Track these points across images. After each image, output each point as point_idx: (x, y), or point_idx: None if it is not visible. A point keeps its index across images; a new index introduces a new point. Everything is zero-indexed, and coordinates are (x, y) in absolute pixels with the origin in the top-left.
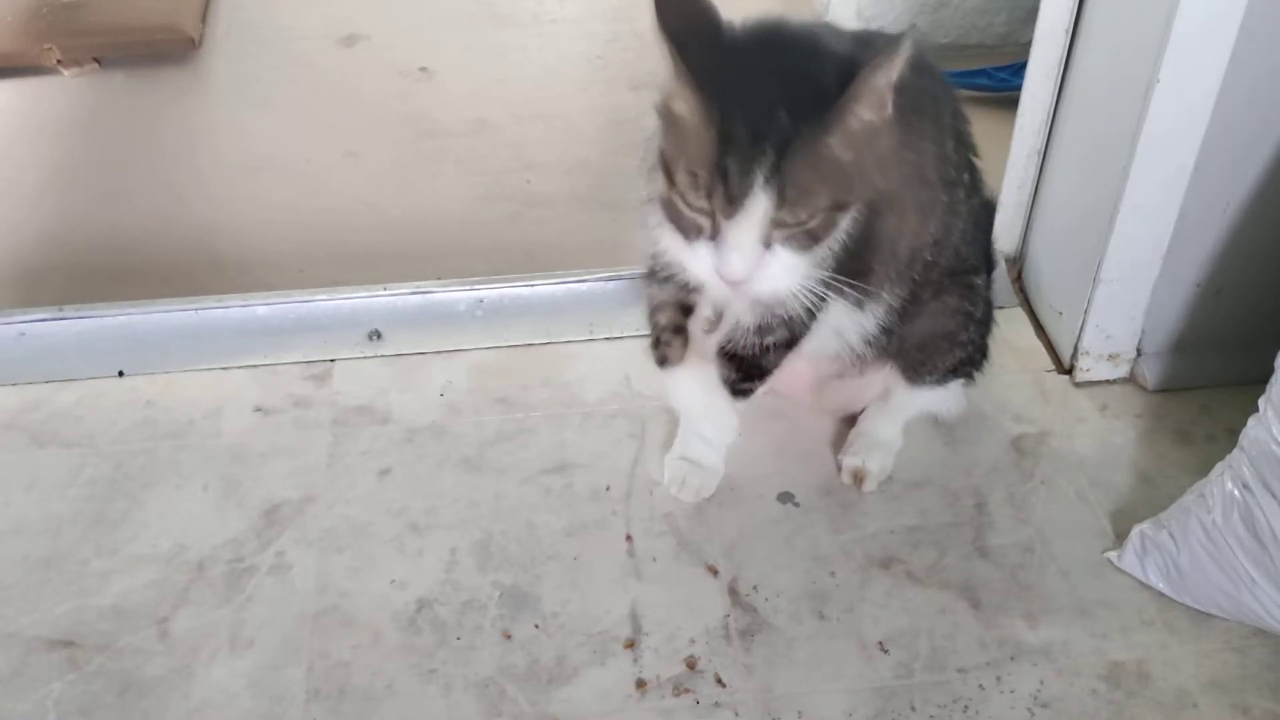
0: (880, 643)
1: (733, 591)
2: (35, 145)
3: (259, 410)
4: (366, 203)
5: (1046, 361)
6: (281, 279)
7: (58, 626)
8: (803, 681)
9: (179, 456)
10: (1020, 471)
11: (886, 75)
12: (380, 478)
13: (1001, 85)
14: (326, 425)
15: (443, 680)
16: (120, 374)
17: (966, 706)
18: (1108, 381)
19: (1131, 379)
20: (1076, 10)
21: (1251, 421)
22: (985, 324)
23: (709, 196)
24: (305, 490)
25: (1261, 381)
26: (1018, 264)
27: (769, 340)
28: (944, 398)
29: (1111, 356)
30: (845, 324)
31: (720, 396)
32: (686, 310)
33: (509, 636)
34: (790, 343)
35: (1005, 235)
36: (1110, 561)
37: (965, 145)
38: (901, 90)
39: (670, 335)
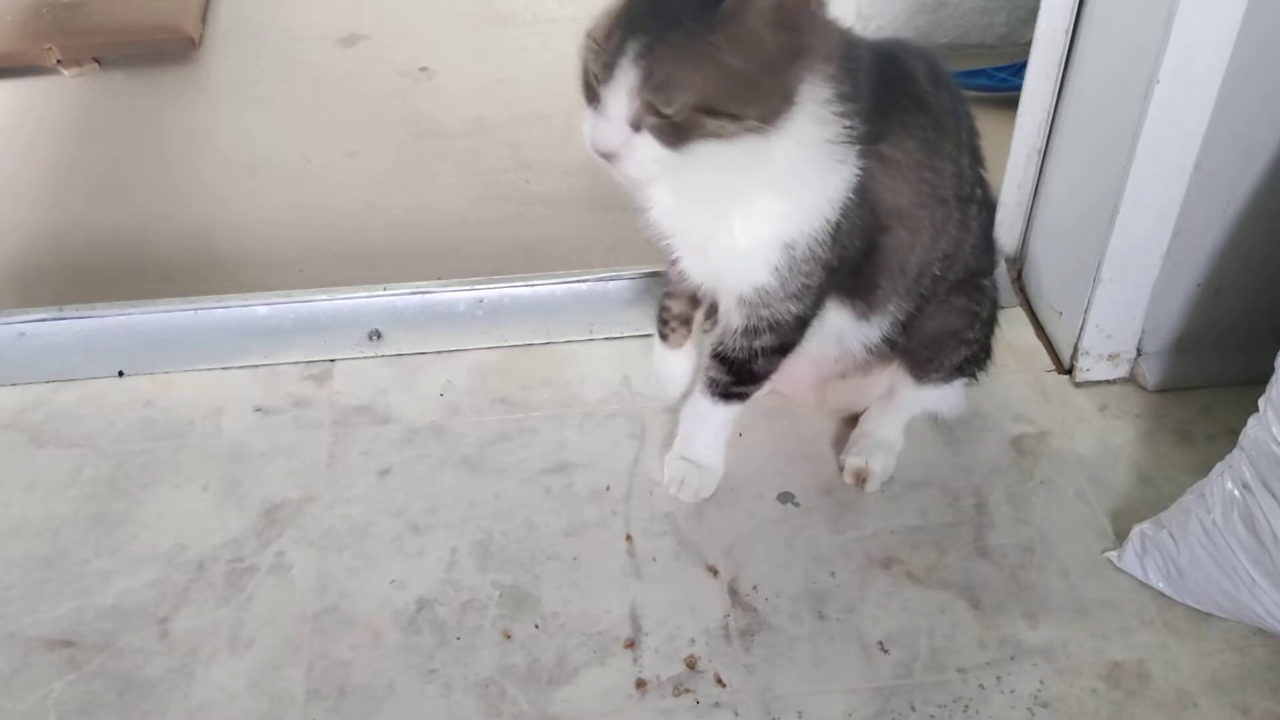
0: (880, 643)
1: (733, 591)
2: (35, 145)
3: (259, 410)
4: (366, 202)
5: (1046, 361)
6: (281, 279)
7: (58, 626)
8: (803, 681)
9: (179, 456)
10: (1020, 471)
11: None
12: (380, 478)
13: (1001, 85)
14: (326, 425)
15: (443, 680)
16: (120, 374)
17: (966, 706)
18: (1108, 381)
19: (1131, 379)
20: (1076, 10)
21: (1251, 421)
22: (990, 324)
23: (595, 59)
24: (305, 490)
25: (1261, 381)
26: (1018, 264)
27: (758, 344)
28: (948, 397)
29: (1111, 356)
30: (847, 332)
31: (694, 391)
32: (697, 304)
33: (509, 636)
34: (781, 349)
35: (1005, 235)
36: (1110, 561)
37: (979, 160)
38: (923, 107)
39: (677, 324)
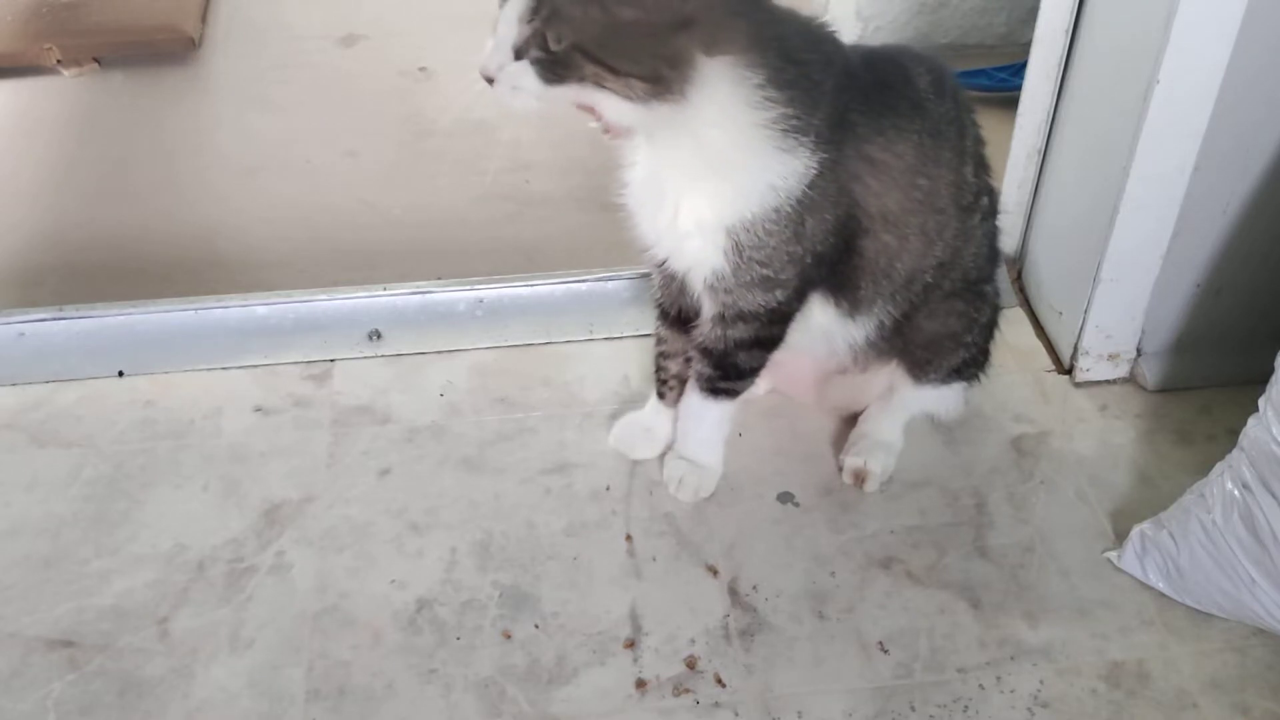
0: (880, 643)
1: (733, 591)
2: (35, 145)
3: (259, 410)
4: (366, 202)
5: (1046, 361)
6: (281, 279)
7: (58, 626)
8: (802, 681)
9: (179, 456)
10: (1020, 471)
11: None
12: (380, 478)
13: (1001, 85)
14: (326, 425)
15: (443, 680)
16: (120, 374)
17: (966, 706)
18: (1108, 381)
19: (1131, 379)
20: (1076, 10)
21: (1251, 421)
22: (990, 329)
23: None
24: (305, 490)
25: (1261, 381)
26: (1018, 264)
27: (732, 334)
28: (946, 398)
29: (1111, 356)
30: (834, 331)
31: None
32: (689, 361)
33: (509, 636)
34: (759, 342)
35: (1005, 235)
36: (1110, 561)
37: (984, 169)
38: (920, 112)
39: (676, 382)
